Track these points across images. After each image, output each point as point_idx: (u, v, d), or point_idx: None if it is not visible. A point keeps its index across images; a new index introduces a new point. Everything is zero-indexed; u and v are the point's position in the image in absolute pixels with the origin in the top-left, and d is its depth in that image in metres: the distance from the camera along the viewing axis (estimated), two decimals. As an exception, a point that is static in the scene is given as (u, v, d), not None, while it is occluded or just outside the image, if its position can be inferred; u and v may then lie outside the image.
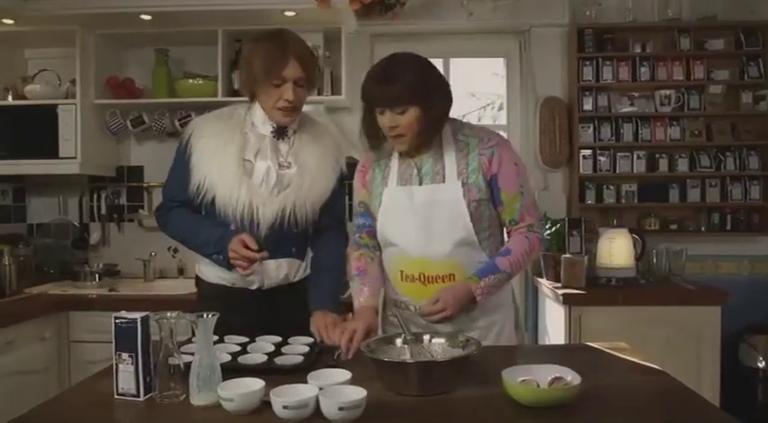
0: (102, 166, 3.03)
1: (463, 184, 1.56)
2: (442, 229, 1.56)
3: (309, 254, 1.83)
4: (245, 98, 1.77)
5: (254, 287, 1.74)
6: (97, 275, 2.81)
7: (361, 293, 1.62)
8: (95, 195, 3.14)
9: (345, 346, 1.45)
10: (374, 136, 1.63)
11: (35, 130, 2.78)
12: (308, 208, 1.73)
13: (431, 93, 1.54)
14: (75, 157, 2.78)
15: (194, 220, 1.73)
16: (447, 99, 1.60)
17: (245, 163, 1.68)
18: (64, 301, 2.52)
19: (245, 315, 1.67)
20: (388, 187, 1.64)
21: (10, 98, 2.87)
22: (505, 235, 1.69)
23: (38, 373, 2.34)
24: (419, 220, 1.57)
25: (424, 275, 1.58)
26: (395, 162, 1.65)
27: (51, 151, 2.77)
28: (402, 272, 1.61)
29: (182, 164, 1.73)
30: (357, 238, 1.75)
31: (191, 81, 2.92)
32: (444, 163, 1.59)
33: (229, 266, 1.66)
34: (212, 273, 1.76)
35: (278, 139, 1.73)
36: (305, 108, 1.78)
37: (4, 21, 2.72)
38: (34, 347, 2.34)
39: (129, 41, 3.07)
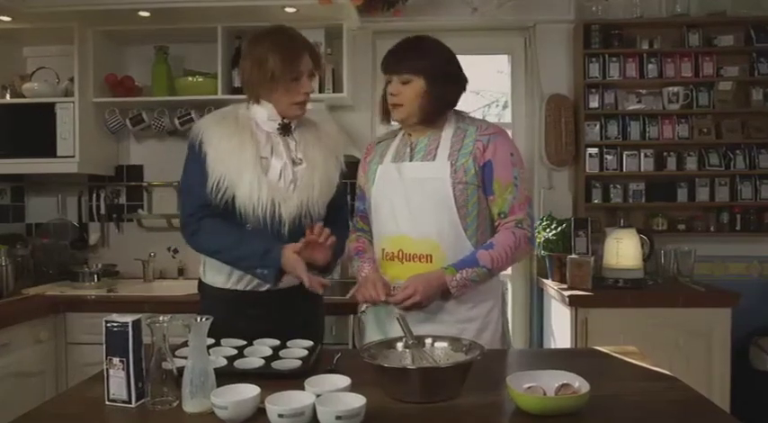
0: (101, 165, 3.00)
1: (451, 165, 1.56)
2: (425, 207, 1.55)
3: None
4: (244, 97, 1.74)
5: (263, 289, 1.69)
6: (96, 276, 2.78)
7: (363, 269, 1.65)
8: (94, 195, 3.11)
9: (375, 298, 1.50)
10: (387, 110, 1.66)
11: (33, 129, 2.76)
12: (321, 203, 1.72)
13: (441, 73, 1.57)
14: (73, 156, 2.75)
15: (232, 230, 1.64)
16: (457, 87, 1.62)
17: (261, 160, 1.66)
18: (61, 302, 2.48)
19: (255, 319, 1.65)
20: (382, 164, 1.66)
21: (8, 96, 2.84)
22: None
23: (34, 376, 2.31)
24: (405, 195, 1.57)
25: (402, 252, 1.57)
26: (395, 142, 1.69)
27: (49, 150, 2.75)
28: (384, 250, 1.62)
29: (198, 168, 1.64)
30: (354, 221, 1.80)
31: (190, 79, 2.89)
32: (439, 143, 1.60)
33: (276, 282, 1.60)
34: (221, 279, 1.71)
35: (284, 136, 1.73)
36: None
37: (2, 17, 2.69)
38: (30, 350, 2.31)
39: (129, 39, 3.04)
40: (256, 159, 1.64)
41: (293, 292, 1.71)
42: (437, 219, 1.54)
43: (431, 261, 1.54)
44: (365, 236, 1.74)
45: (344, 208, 1.87)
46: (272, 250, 1.58)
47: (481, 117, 4.04)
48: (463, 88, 1.64)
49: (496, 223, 1.60)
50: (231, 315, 1.53)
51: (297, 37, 1.69)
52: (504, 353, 1.61)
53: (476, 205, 1.57)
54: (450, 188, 1.54)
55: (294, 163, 1.71)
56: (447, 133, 1.61)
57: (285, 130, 1.72)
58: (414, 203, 1.56)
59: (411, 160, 1.62)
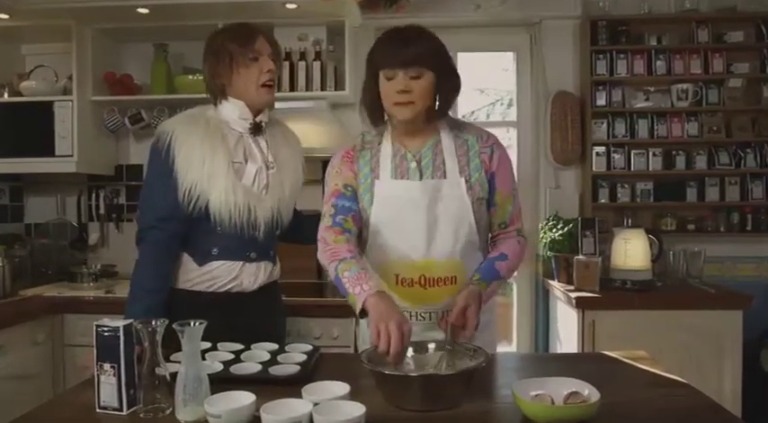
0: (101, 164, 2.96)
1: (466, 181, 1.49)
2: (446, 228, 1.47)
3: (277, 258, 1.82)
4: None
5: (222, 290, 1.67)
6: (94, 277, 2.74)
7: (366, 277, 1.33)
8: (94, 194, 3.08)
9: (393, 357, 1.19)
10: (377, 109, 1.49)
11: (31, 128, 2.73)
12: (290, 206, 1.76)
13: (447, 64, 1.48)
14: (71, 156, 2.72)
15: (157, 273, 1.63)
16: (458, 80, 1.52)
17: (233, 165, 1.64)
18: (58, 303, 2.44)
19: (211, 320, 1.60)
20: (379, 179, 1.50)
21: (6, 95, 2.80)
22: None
23: (31, 379, 2.27)
24: (422, 217, 1.47)
25: (425, 278, 1.48)
26: (385, 152, 1.53)
27: (47, 149, 2.71)
28: (398, 275, 1.49)
29: (162, 177, 1.61)
30: (339, 219, 1.49)
31: (190, 77, 2.84)
32: (444, 157, 1.51)
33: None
34: (187, 277, 1.67)
35: (255, 136, 1.71)
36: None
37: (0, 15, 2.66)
38: (27, 352, 2.27)
39: (127, 36, 3.00)
40: (228, 164, 1.62)
41: (254, 294, 1.70)
42: (459, 238, 1.48)
43: (455, 282, 1.48)
44: (353, 239, 1.49)
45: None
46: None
47: (486, 116, 4.02)
48: (460, 80, 1.54)
49: (495, 232, 1.58)
50: (192, 316, 1.48)
51: (250, 24, 1.71)
52: (510, 358, 1.57)
53: (486, 218, 1.55)
54: (470, 206, 1.48)
55: (267, 167, 1.71)
56: (447, 144, 1.51)
57: (257, 129, 1.71)
58: (434, 225, 1.47)
59: (421, 178, 1.49)
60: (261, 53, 1.65)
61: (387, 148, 1.53)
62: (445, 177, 1.49)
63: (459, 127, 1.56)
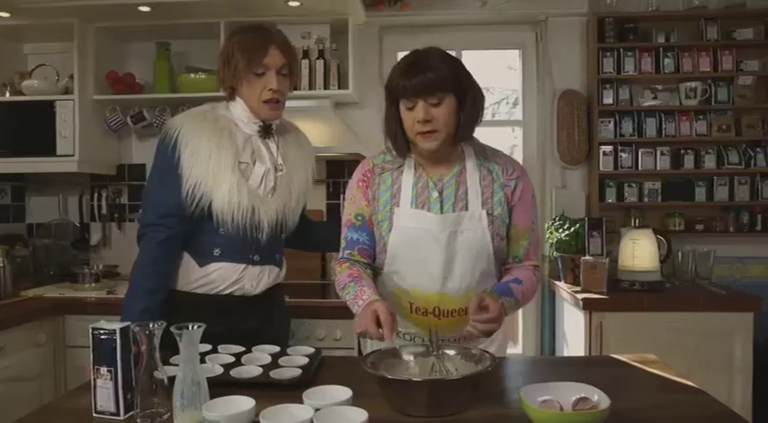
0: (102, 164, 2.95)
1: (488, 214, 1.44)
2: (464, 263, 1.43)
3: (284, 262, 1.79)
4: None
5: (225, 293, 1.63)
6: (96, 277, 2.71)
7: (362, 293, 1.37)
8: (96, 194, 3.07)
9: (376, 333, 1.26)
10: (402, 140, 1.44)
11: (32, 127, 2.71)
12: (296, 211, 1.72)
13: (466, 85, 1.41)
14: (73, 155, 2.70)
15: (156, 272, 1.57)
16: (481, 98, 1.44)
17: (240, 165, 1.60)
18: (60, 304, 2.42)
19: (212, 323, 1.57)
20: (400, 208, 1.45)
21: (7, 94, 2.79)
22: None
23: (32, 380, 2.25)
24: (440, 252, 1.42)
25: (438, 309, 1.45)
26: (407, 178, 1.47)
27: (49, 149, 2.69)
28: (412, 304, 1.47)
29: (168, 174, 1.57)
30: (346, 254, 1.51)
31: (192, 76, 2.82)
32: (467, 188, 1.45)
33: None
34: (187, 279, 1.63)
35: (265, 138, 1.68)
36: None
37: (1, 14, 2.65)
38: (28, 353, 2.25)
39: (129, 35, 2.98)
40: (234, 164, 1.58)
41: (252, 298, 1.67)
42: (476, 273, 1.45)
43: (467, 312, 1.44)
44: (359, 265, 1.49)
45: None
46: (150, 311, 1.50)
47: (491, 115, 3.97)
48: (483, 97, 1.47)
49: (508, 266, 1.53)
50: (190, 318, 1.45)
51: (267, 32, 1.62)
52: (517, 362, 1.54)
53: (505, 251, 1.51)
54: (489, 241, 1.43)
55: (276, 169, 1.67)
56: (472, 173, 1.46)
57: (266, 132, 1.67)
58: (452, 260, 1.43)
59: (443, 210, 1.43)
60: (268, 68, 1.59)
61: (409, 172, 1.48)
62: (467, 209, 1.44)
63: (485, 155, 1.50)
